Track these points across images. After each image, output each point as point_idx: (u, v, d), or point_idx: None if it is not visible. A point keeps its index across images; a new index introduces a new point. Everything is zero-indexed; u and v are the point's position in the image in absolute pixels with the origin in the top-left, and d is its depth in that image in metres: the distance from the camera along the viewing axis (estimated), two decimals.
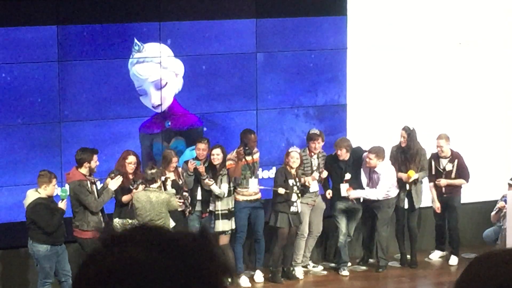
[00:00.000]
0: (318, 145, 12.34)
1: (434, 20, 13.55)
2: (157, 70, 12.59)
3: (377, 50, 13.48)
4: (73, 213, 11.45)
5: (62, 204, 11.05)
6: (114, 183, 11.36)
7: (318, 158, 12.44)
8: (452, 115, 13.83)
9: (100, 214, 11.52)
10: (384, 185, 12.34)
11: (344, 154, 12.12)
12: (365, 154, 12.43)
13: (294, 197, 11.99)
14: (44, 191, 10.86)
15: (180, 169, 12.03)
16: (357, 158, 12.54)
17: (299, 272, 12.37)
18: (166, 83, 12.63)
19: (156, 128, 12.62)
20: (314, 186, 12.37)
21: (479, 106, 13.99)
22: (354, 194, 12.39)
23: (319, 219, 12.51)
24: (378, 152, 12.10)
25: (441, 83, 13.88)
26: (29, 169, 11.86)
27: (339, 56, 13.35)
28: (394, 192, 12.47)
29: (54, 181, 10.97)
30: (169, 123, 12.68)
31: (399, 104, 13.58)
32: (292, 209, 12.03)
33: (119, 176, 11.41)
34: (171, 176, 11.81)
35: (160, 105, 12.53)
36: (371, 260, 12.92)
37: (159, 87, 12.58)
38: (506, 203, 12.30)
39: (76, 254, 11.44)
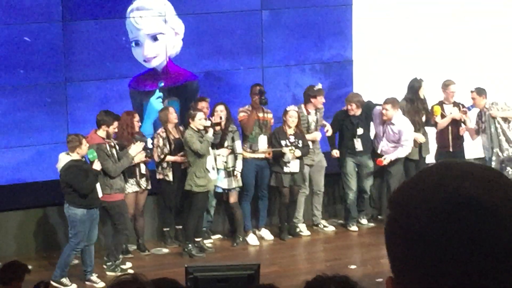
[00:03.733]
0: (321, 100, 12.17)
1: None
2: (157, 22, 12.30)
3: (383, 5, 13.33)
4: None
5: (96, 165, 10.86)
6: (134, 149, 11.26)
7: (316, 114, 12.24)
8: (458, 69, 13.51)
9: (123, 176, 11.34)
10: (408, 137, 12.17)
11: (355, 109, 12.00)
12: (377, 108, 12.23)
13: (287, 158, 11.89)
14: (77, 155, 10.74)
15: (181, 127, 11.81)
16: (369, 113, 12.40)
17: (303, 228, 12.31)
18: (163, 35, 12.25)
19: (149, 86, 12.40)
20: (312, 145, 12.31)
21: (484, 64, 13.63)
22: (389, 158, 12.22)
23: (320, 177, 12.38)
24: (393, 102, 11.98)
25: (446, 37, 13.64)
26: (35, 129, 11.76)
27: (344, 12, 13.19)
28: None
29: (84, 141, 10.75)
30: (162, 83, 12.45)
31: (404, 58, 13.41)
32: (286, 169, 11.97)
33: (139, 142, 11.31)
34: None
35: (154, 57, 12.25)
36: (380, 217, 12.84)
37: (156, 39, 12.32)
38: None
39: (100, 219, 11.44)
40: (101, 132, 11.05)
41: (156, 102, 12.45)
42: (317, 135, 12.26)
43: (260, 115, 11.95)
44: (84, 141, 10.86)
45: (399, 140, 12.20)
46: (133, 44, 12.18)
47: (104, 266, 11.60)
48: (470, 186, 1.34)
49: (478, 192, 1.33)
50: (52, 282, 10.62)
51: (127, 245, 11.78)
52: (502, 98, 12.95)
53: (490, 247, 1.30)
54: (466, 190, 1.33)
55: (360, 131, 12.31)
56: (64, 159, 10.99)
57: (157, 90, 12.47)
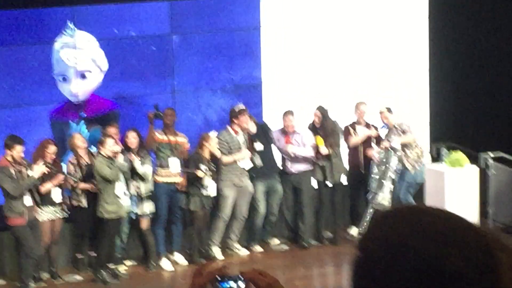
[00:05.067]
0: (246, 120, 12.34)
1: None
2: (87, 60, 12.51)
3: (290, 30, 13.44)
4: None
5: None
6: (36, 169, 11.16)
7: (244, 134, 12.37)
8: (366, 92, 13.75)
9: (30, 198, 11.22)
10: (309, 147, 12.53)
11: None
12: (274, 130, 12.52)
13: (206, 181, 11.95)
14: None
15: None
16: (265, 131, 12.57)
17: (216, 252, 12.26)
18: (91, 73, 12.52)
19: (70, 116, 12.49)
20: (244, 164, 12.29)
21: (391, 84, 13.88)
22: (293, 148, 12.40)
23: (245, 202, 12.44)
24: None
25: (353, 62, 13.83)
26: None
27: (252, 35, 13.27)
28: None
29: None
30: (84, 114, 12.59)
31: (313, 82, 13.50)
32: (204, 192, 12.04)
33: (42, 163, 11.25)
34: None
35: (77, 95, 12.49)
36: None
37: (84, 77, 12.52)
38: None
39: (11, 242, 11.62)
40: (8, 156, 11.08)
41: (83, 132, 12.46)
42: (245, 154, 12.24)
43: (172, 138, 11.90)
44: None
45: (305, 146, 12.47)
46: (60, 78, 12.29)
47: None
48: (447, 257, 1.38)
49: (442, 261, 1.37)
50: None
51: (38, 272, 11.56)
52: (406, 119, 13.08)
53: None
54: (445, 262, 1.37)
55: (258, 146, 12.45)
56: None
57: (82, 122, 12.48)
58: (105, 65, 12.66)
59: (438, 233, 1.43)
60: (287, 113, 12.48)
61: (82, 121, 12.63)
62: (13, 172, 11.09)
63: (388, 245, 1.44)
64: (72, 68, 12.42)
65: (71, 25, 12.32)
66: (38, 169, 11.15)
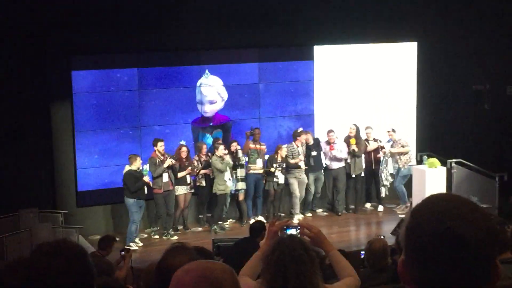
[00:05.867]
0: (304, 137, 13.37)
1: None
2: (214, 93, 13.62)
3: (330, 81, 14.52)
4: None
5: (145, 178, 12.15)
6: (166, 163, 12.37)
7: (302, 146, 13.53)
8: (377, 117, 14.69)
9: (168, 177, 12.28)
10: (346, 152, 13.64)
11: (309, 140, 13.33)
12: (322, 141, 13.59)
13: (277, 173, 13.27)
14: (134, 166, 12.06)
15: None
16: (317, 143, 13.70)
17: (296, 218, 13.29)
18: (216, 102, 13.73)
19: (203, 124, 13.57)
20: (301, 165, 13.28)
21: (393, 112, 14.87)
22: (335, 152, 13.43)
23: (302, 188, 13.57)
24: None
25: (369, 98, 14.71)
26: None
27: (308, 84, 14.64)
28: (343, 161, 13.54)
29: (138, 158, 12.11)
30: (211, 123, 13.69)
31: (344, 111, 14.49)
32: (275, 179, 13.21)
33: (169, 158, 12.38)
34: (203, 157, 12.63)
35: (208, 113, 13.64)
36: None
37: (212, 103, 13.70)
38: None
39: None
40: (156, 151, 12.30)
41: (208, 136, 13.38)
42: (301, 157, 13.31)
43: (258, 146, 13.23)
44: (138, 158, 12.02)
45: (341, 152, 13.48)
46: (199, 103, 13.42)
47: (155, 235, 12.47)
48: (459, 226, 1.55)
49: (463, 231, 1.54)
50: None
51: (177, 225, 12.93)
52: (404, 136, 14.32)
53: (463, 260, 1.53)
54: (456, 229, 1.54)
55: (313, 153, 13.51)
56: (126, 168, 11.95)
57: (207, 134, 13.44)
58: (225, 97, 13.71)
59: (459, 211, 1.56)
60: (330, 131, 13.61)
61: (206, 132, 13.53)
62: (157, 161, 12.28)
63: (429, 217, 1.57)
64: (206, 97, 13.48)
65: (208, 72, 13.55)
66: (167, 162, 12.34)
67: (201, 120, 13.44)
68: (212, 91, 13.35)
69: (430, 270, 1.57)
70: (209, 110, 13.48)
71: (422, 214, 1.62)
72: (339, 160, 13.65)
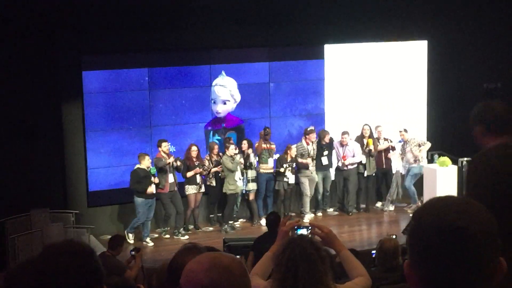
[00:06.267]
0: (314, 136, 13.30)
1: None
2: (227, 94, 13.70)
3: (341, 79, 14.46)
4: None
5: (155, 179, 12.17)
6: (170, 160, 12.39)
7: (312, 144, 13.43)
8: (390, 117, 14.70)
9: (173, 178, 12.32)
10: (359, 154, 13.57)
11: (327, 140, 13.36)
12: (335, 141, 13.50)
13: (287, 173, 13.16)
14: (143, 164, 12.07)
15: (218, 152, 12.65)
16: (331, 143, 13.65)
17: (307, 217, 13.33)
18: (229, 101, 13.79)
19: (215, 127, 13.64)
20: (310, 164, 13.24)
21: (405, 112, 14.83)
22: (348, 160, 13.35)
23: (312, 186, 13.55)
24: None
25: (381, 98, 14.70)
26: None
27: (319, 83, 14.54)
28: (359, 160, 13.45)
29: (146, 157, 12.14)
30: (224, 124, 13.69)
31: (355, 110, 14.51)
32: (285, 179, 13.17)
33: (174, 158, 12.37)
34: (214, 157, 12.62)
35: (220, 113, 13.69)
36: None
37: (225, 103, 13.73)
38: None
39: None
40: (161, 152, 12.31)
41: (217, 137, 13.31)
42: (309, 160, 13.23)
43: (268, 146, 13.31)
44: (146, 157, 12.07)
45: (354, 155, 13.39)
46: (212, 102, 13.48)
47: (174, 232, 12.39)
48: (459, 219, 1.56)
49: (464, 223, 1.56)
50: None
51: (187, 224, 12.94)
52: (417, 135, 14.33)
53: (466, 254, 1.54)
54: (457, 222, 1.56)
55: (326, 152, 13.48)
56: (136, 166, 11.82)
57: (216, 135, 13.46)
58: (238, 99, 13.78)
59: (459, 207, 1.59)
60: (344, 133, 13.47)
61: (219, 135, 13.54)
62: (163, 160, 12.32)
63: (429, 216, 1.60)
64: (219, 97, 13.54)
65: (224, 73, 13.59)
66: (171, 159, 12.35)
67: (213, 122, 13.53)
68: (225, 91, 13.46)
69: (435, 268, 1.58)
70: (221, 110, 13.55)
71: (422, 214, 1.65)
72: (352, 164, 13.61)
